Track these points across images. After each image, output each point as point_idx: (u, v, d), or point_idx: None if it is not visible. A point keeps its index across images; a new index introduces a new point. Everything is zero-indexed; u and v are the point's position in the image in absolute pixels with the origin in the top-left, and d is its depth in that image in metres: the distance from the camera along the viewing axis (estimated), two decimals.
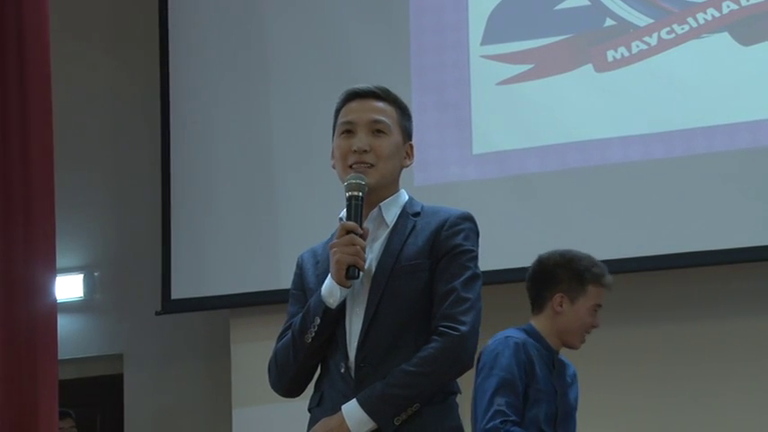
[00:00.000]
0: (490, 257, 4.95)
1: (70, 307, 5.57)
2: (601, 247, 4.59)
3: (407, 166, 2.46)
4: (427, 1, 5.05)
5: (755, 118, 4.42)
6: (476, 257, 2.34)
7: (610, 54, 4.63)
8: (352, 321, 2.27)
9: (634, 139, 4.59)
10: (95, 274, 5.79)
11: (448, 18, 4.88)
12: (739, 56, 4.51)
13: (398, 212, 2.35)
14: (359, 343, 2.23)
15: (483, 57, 4.79)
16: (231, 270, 5.18)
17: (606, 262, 4.63)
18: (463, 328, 2.22)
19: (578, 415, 4.22)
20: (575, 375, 3.23)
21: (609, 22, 4.68)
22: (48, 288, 4.46)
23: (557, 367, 3.03)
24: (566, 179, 4.69)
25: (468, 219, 2.35)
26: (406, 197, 2.39)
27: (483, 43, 4.82)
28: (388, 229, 2.32)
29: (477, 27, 4.86)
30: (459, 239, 2.31)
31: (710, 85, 4.55)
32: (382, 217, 2.33)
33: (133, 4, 5.79)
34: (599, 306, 3.09)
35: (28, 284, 4.52)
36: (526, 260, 4.74)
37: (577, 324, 2.96)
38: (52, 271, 4.52)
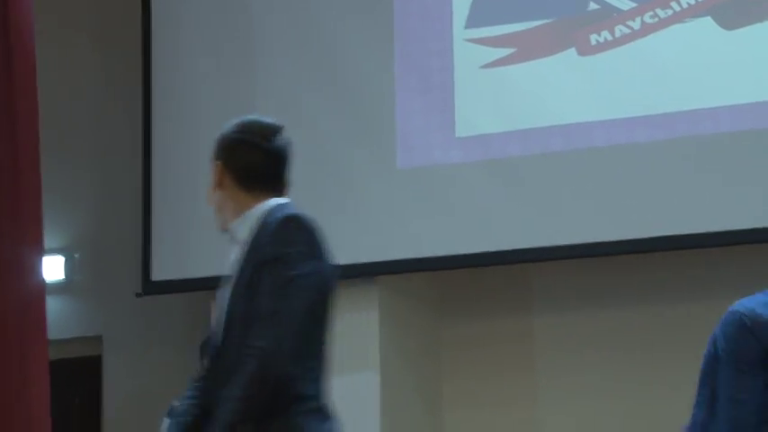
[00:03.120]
0: (473, 240, 4.99)
1: (50, 288, 5.48)
2: (583, 230, 4.76)
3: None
4: None
5: (737, 102, 4.47)
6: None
7: (593, 38, 4.67)
8: None
9: (617, 122, 4.62)
10: (76, 255, 5.88)
11: (432, 1, 4.92)
12: (722, 40, 4.55)
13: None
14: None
15: (467, 40, 4.84)
16: (212, 252, 5.18)
17: (589, 246, 4.83)
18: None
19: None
20: None
21: (592, 5, 4.73)
22: (35, 268, 4.58)
23: None
24: (549, 162, 4.75)
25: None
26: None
27: (467, 27, 4.85)
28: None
29: (461, 10, 4.88)
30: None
31: (693, 69, 4.60)
32: None
33: None
34: None
35: (16, 264, 4.61)
36: (508, 243, 4.85)
37: None
38: (40, 251, 4.63)
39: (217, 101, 5.33)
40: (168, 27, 5.55)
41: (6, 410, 4.42)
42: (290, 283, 2.31)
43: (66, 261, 5.77)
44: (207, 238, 5.12)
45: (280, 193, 2.55)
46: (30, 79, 4.74)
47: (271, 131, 2.61)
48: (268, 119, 2.76)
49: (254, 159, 2.51)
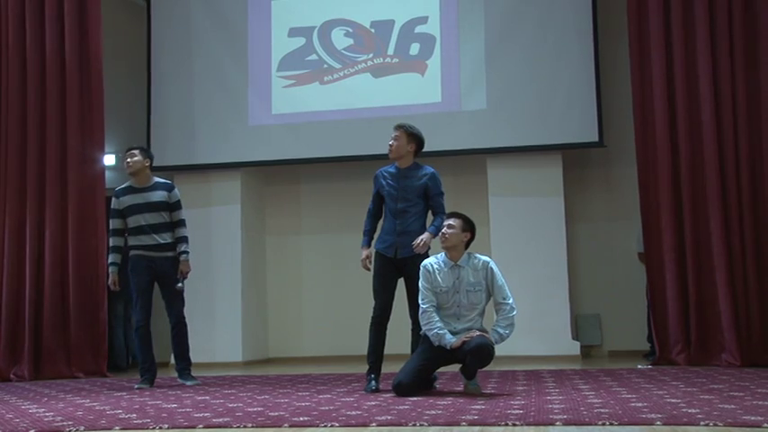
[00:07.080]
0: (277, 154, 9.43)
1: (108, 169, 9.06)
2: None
3: None
4: (256, 46, 9.03)
5: (378, 105, 8.77)
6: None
7: (326, 78, 8.95)
8: None
9: (336, 111, 8.80)
10: (119, 154, 9.24)
11: (264, 57, 9.06)
12: (374, 81, 8.86)
13: None
14: None
15: (278, 76, 9.05)
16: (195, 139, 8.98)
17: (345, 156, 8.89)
18: None
19: None
20: None
21: (324, 65, 9.01)
22: (99, 158, 7.76)
23: None
24: (308, 124, 8.76)
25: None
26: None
27: (278, 70, 9.07)
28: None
29: (275, 64, 9.09)
30: None
31: (362, 91, 8.75)
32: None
33: None
34: None
35: (90, 156, 7.57)
36: (286, 154, 9.00)
37: None
38: (102, 149, 7.77)
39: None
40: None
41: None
42: None
43: (115, 156, 9.40)
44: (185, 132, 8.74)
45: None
46: (96, 53, 7.78)
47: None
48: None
49: None
